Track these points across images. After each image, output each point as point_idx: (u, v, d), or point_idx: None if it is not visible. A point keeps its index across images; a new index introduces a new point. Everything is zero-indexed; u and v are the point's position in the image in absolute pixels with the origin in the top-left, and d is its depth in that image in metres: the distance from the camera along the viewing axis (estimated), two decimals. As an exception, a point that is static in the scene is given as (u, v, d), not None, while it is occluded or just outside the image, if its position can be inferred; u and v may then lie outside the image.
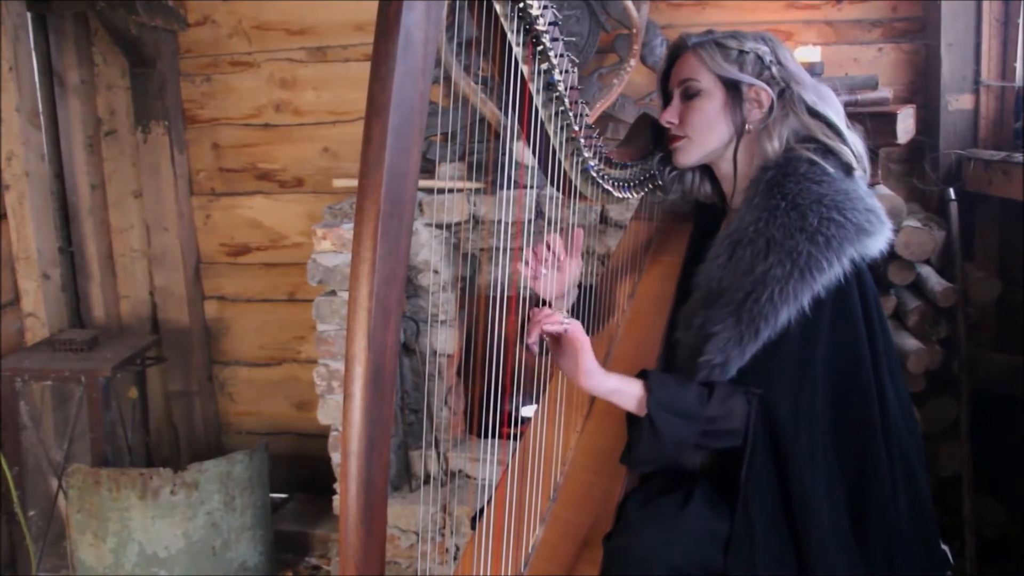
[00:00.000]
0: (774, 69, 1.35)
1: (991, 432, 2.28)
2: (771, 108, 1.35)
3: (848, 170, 1.32)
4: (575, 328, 1.23)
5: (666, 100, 1.45)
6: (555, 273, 1.41)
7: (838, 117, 1.36)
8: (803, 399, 1.25)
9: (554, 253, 1.40)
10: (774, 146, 1.34)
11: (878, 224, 1.26)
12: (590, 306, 1.51)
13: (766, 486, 1.25)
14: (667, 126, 1.43)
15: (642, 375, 1.26)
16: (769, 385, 1.25)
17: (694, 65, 1.38)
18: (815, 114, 1.34)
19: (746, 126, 1.37)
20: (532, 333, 1.23)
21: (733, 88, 1.36)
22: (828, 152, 1.32)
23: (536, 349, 1.27)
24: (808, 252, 1.23)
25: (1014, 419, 2.20)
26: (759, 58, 1.35)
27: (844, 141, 1.33)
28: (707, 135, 1.39)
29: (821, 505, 1.23)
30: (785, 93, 1.35)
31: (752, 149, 1.38)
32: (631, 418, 1.27)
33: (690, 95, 1.39)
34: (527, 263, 1.37)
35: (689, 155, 1.42)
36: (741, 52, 1.36)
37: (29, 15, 2.64)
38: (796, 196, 1.26)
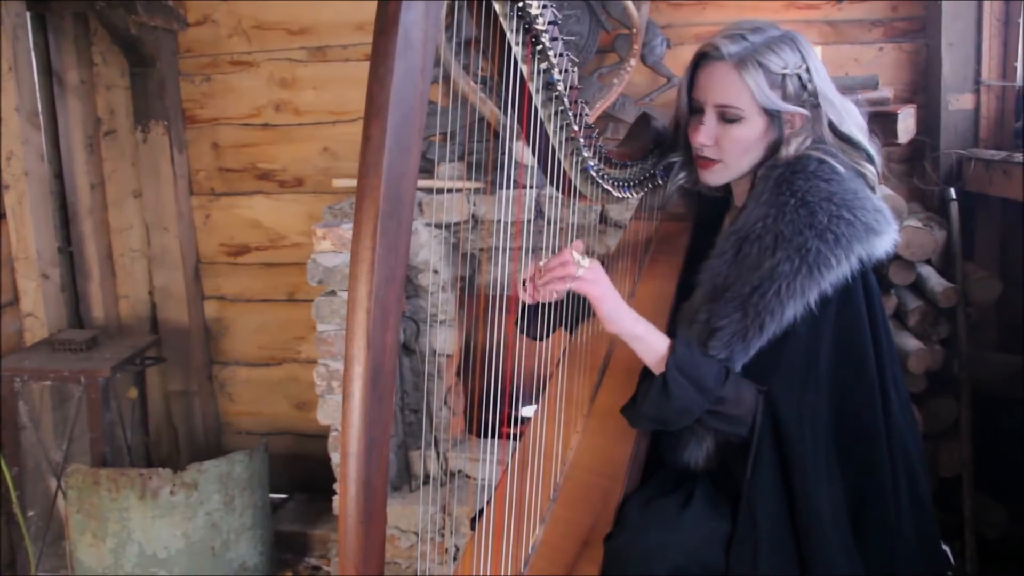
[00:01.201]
0: (810, 87, 1.31)
1: (991, 432, 2.27)
2: (803, 126, 1.34)
3: (869, 184, 1.32)
4: (582, 284, 1.23)
5: (691, 109, 1.38)
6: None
7: (862, 133, 1.35)
8: (807, 397, 1.25)
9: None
10: (789, 152, 1.32)
11: (885, 224, 1.26)
12: (590, 306, 1.51)
13: (770, 485, 1.25)
14: (700, 150, 1.36)
15: (671, 334, 1.26)
16: (774, 382, 1.25)
17: (737, 89, 1.30)
18: (837, 133, 1.33)
19: (779, 147, 1.34)
20: (544, 293, 1.24)
21: (774, 115, 1.32)
22: (838, 152, 1.32)
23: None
24: (817, 249, 1.22)
25: (1014, 419, 2.20)
26: (799, 79, 1.31)
27: (870, 159, 1.33)
28: (743, 160, 1.36)
29: (824, 504, 1.23)
30: (814, 111, 1.33)
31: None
32: (644, 373, 1.28)
33: (729, 120, 1.33)
34: (524, 286, 1.36)
35: (721, 178, 1.39)
36: (784, 76, 1.30)
37: (29, 15, 2.64)
38: (805, 193, 1.26)
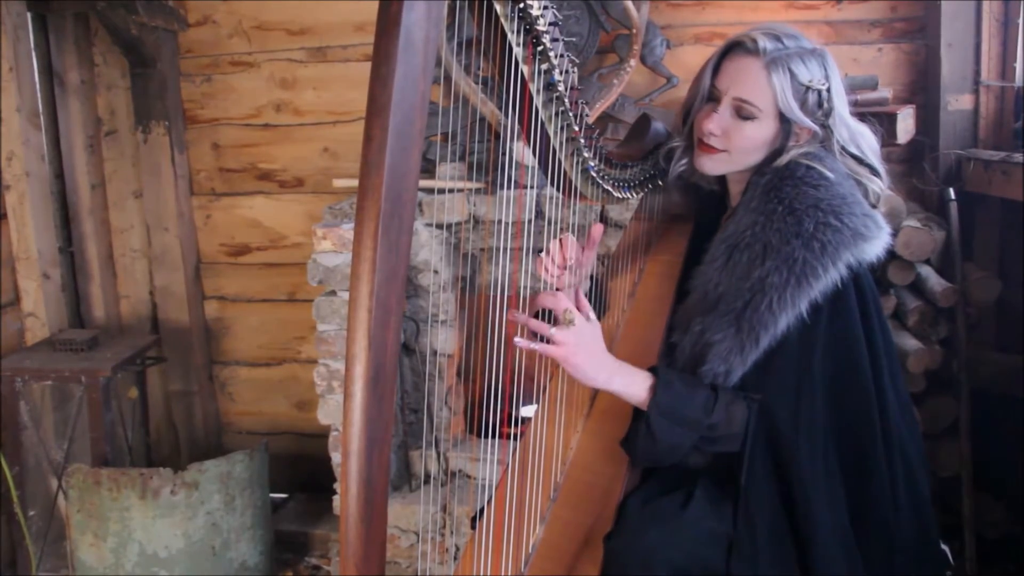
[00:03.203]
0: (826, 106, 1.32)
1: (991, 432, 2.28)
2: (807, 141, 1.34)
3: (871, 200, 1.32)
4: (548, 349, 1.20)
5: (709, 95, 1.37)
6: (567, 272, 1.42)
7: (874, 156, 1.35)
8: (803, 403, 1.25)
9: (565, 256, 1.39)
10: (783, 161, 1.33)
11: (875, 229, 1.26)
12: (602, 307, 1.51)
13: (767, 489, 1.25)
14: (706, 135, 1.35)
15: (653, 371, 1.26)
16: (769, 390, 1.26)
17: (761, 87, 1.30)
18: (847, 152, 1.34)
19: (780, 155, 1.34)
20: (519, 343, 1.22)
21: (787, 123, 1.32)
22: (827, 155, 1.33)
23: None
24: (804, 259, 1.23)
25: (1014, 419, 2.20)
26: (819, 96, 1.31)
27: (877, 175, 1.34)
28: (746, 157, 1.36)
29: (823, 508, 1.24)
30: (823, 130, 1.33)
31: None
32: (637, 412, 1.28)
33: (744, 117, 1.33)
34: (545, 267, 1.36)
35: (719, 168, 1.39)
36: (808, 88, 1.30)
37: (29, 15, 2.64)
38: (793, 200, 1.26)
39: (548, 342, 1.21)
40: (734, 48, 1.34)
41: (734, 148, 1.35)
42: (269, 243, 2.96)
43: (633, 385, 1.25)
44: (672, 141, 1.50)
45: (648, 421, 1.23)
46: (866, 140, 1.36)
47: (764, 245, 1.26)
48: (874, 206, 1.33)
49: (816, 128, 1.33)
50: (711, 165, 1.39)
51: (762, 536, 1.23)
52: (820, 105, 1.32)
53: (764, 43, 1.30)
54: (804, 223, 1.24)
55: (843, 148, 1.34)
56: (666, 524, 1.23)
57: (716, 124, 1.34)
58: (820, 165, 1.29)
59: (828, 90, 1.32)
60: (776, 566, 1.23)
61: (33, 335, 2.66)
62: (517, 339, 1.19)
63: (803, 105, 1.31)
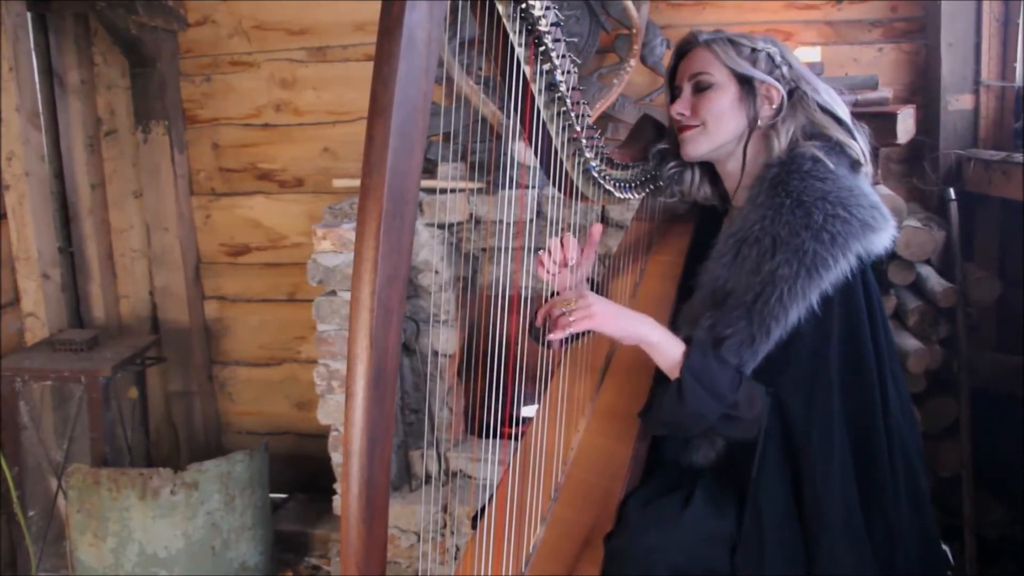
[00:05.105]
0: (784, 69, 1.37)
1: (991, 432, 2.28)
2: (781, 106, 1.36)
3: (855, 165, 1.33)
4: (579, 325, 1.24)
5: (673, 96, 1.44)
6: (567, 271, 1.42)
7: (846, 116, 1.37)
8: (817, 397, 1.25)
9: (565, 255, 1.39)
10: (781, 144, 1.35)
11: (882, 221, 1.27)
12: None
13: (776, 484, 1.25)
14: (678, 118, 1.41)
15: (687, 340, 1.27)
16: (781, 383, 1.26)
17: (707, 59, 1.38)
18: (826, 111, 1.35)
19: (757, 122, 1.37)
20: (554, 337, 1.25)
21: (746, 83, 1.37)
22: (832, 149, 1.33)
23: (557, 345, 1.29)
24: (814, 250, 1.23)
25: (1014, 419, 2.21)
26: (770, 57, 1.37)
27: (854, 138, 1.35)
28: (721, 125, 1.38)
29: (835, 504, 1.23)
30: (795, 93, 1.36)
31: (759, 146, 1.39)
32: (659, 377, 1.28)
33: (703, 87, 1.39)
34: (546, 268, 1.37)
35: (700, 145, 1.41)
36: (754, 50, 1.37)
37: (29, 15, 2.64)
38: (801, 193, 1.27)
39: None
40: (682, 47, 1.44)
41: (706, 117, 1.39)
42: (269, 243, 2.96)
43: (670, 341, 1.27)
44: (662, 142, 1.52)
45: (680, 382, 1.23)
46: (839, 105, 1.38)
47: (773, 239, 1.26)
48: (859, 164, 1.34)
49: (779, 85, 1.36)
50: (693, 146, 1.41)
51: (769, 532, 1.23)
52: (777, 66, 1.37)
53: (702, 34, 1.41)
54: (813, 215, 1.24)
55: (821, 107, 1.36)
56: (666, 524, 1.23)
57: (682, 104, 1.41)
58: (825, 158, 1.30)
59: (780, 54, 1.38)
60: (783, 563, 1.23)
61: (33, 335, 2.66)
62: (551, 335, 1.24)
63: (754, 64, 1.37)
